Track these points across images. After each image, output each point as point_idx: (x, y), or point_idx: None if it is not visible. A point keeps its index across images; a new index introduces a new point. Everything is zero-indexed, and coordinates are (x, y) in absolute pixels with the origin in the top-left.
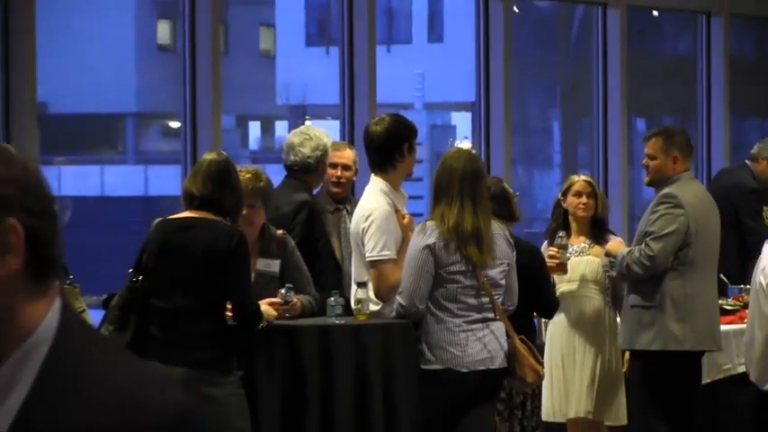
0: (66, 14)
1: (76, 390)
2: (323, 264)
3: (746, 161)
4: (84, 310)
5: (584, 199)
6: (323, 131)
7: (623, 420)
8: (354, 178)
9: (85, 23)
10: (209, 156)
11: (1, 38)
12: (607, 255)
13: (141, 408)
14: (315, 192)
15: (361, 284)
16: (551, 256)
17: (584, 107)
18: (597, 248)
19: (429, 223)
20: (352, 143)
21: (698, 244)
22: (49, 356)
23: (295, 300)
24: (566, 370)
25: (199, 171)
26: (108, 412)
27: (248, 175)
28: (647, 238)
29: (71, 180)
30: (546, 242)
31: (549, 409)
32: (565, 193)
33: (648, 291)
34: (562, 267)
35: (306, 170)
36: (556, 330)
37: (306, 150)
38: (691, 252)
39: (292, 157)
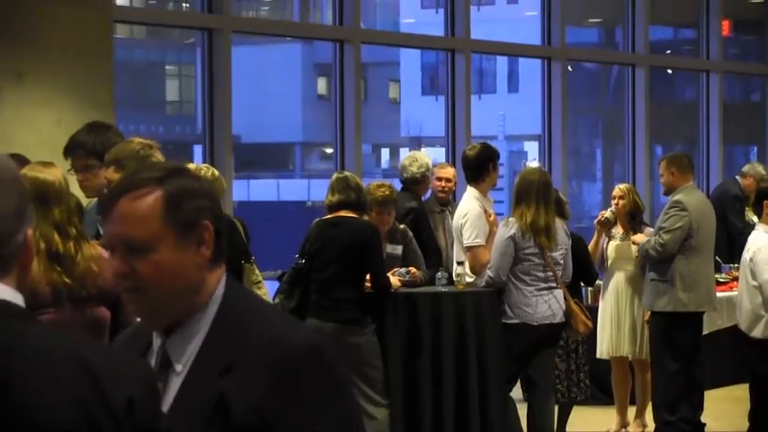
0: (254, 72)
1: (237, 335)
2: (430, 249)
3: (737, 176)
4: (260, 281)
5: (615, 201)
6: (425, 154)
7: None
8: (454, 188)
9: (267, 79)
10: (334, 175)
11: (207, 89)
12: (634, 243)
13: (283, 343)
14: (426, 197)
15: (460, 263)
16: (600, 214)
17: (619, 137)
18: (634, 236)
19: (511, 219)
20: (453, 163)
21: (699, 235)
22: (219, 313)
23: (415, 273)
24: (612, 321)
25: (329, 186)
26: (259, 347)
27: (385, 190)
28: (661, 232)
29: (257, 189)
30: (594, 237)
31: (602, 349)
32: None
33: (663, 269)
34: (606, 223)
35: (415, 183)
36: (608, 293)
37: (414, 169)
38: (693, 241)
39: (405, 175)
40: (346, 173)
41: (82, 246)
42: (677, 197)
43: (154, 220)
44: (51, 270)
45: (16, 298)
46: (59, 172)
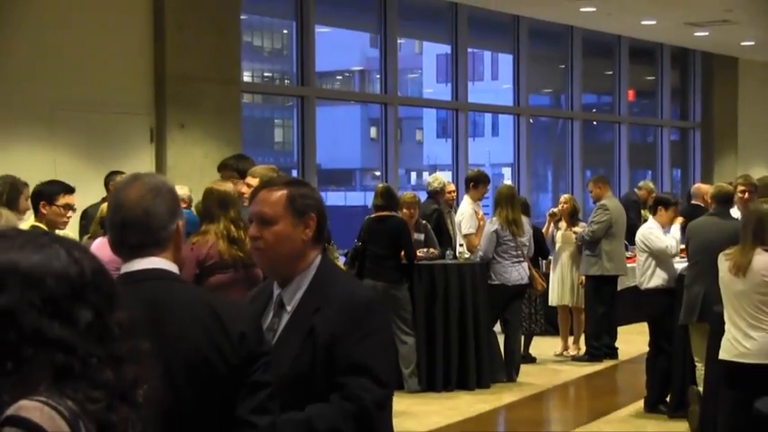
0: (330, 123)
1: (325, 289)
2: (443, 236)
3: (635, 189)
4: (337, 257)
5: (561, 205)
6: (442, 175)
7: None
8: (456, 197)
9: (338, 127)
10: (379, 185)
11: (300, 134)
12: (574, 233)
13: (354, 296)
14: (440, 201)
15: (461, 245)
16: (551, 209)
17: (563, 165)
18: (574, 227)
19: (494, 218)
20: (456, 182)
21: (616, 227)
22: (315, 275)
23: (432, 251)
24: (559, 282)
25: (377, 192)
26: (338, 297)
27: (412, 197)
28: (592, 223)
29: (332, 198)
30: (546, 224)
31: (552, 300)
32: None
33: (594, 247)
34: (553, 215)
35: (436, 193)
36: (557, 265)
37: (435, 184)
38: (613, 230)
39: (429, 188)
40: (387, 185)
41: (247, 233)
42: (603, 202)
43: (279, 205)
44: (231, 248)
45: (171, 267)
46: (231, 186)
